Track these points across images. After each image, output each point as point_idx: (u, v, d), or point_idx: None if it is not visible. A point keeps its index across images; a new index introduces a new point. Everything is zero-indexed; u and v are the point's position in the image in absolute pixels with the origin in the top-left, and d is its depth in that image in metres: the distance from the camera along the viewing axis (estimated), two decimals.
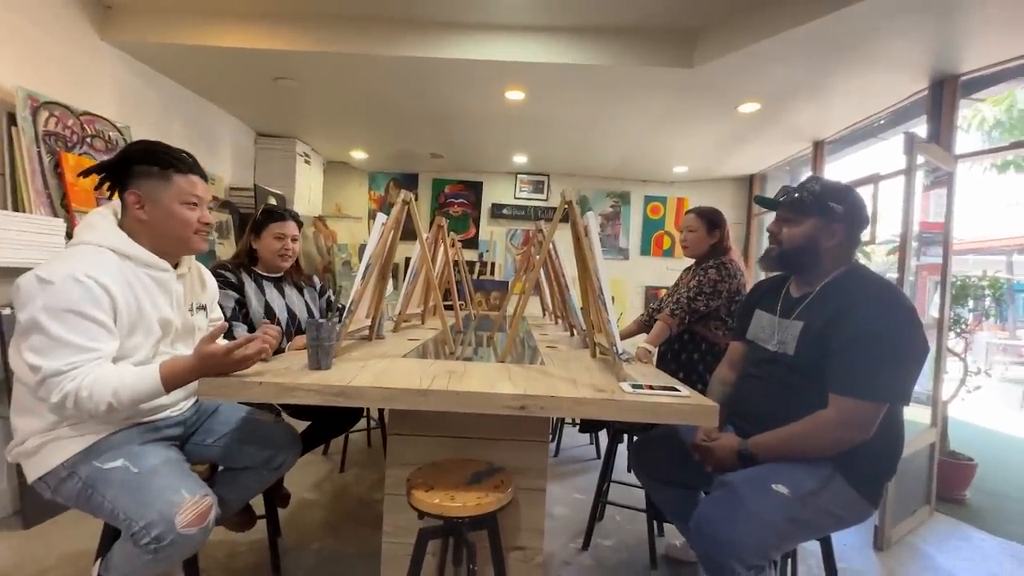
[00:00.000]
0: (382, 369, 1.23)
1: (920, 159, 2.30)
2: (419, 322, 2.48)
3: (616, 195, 5.32)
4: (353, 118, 3.85)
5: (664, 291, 3.35)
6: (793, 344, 1.19)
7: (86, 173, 1.17)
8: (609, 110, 3.36)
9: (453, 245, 3.37)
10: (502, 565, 1.21)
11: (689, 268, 2.22)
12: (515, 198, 5.32)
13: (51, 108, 2.38)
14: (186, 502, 0.97)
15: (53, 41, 2.48)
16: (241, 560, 1.79)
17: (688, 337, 2.02)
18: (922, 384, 2.72)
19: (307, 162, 4.62)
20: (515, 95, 3.17)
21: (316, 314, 1.92)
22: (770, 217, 1.37)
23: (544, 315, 3.55)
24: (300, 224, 1.91)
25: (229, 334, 1.58)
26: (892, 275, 2.33)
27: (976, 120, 6.21)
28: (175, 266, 1.21)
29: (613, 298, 5.25)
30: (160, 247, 1.16)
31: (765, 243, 4.26)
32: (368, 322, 1.73)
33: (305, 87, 3.23)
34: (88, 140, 2.54)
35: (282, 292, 1.84)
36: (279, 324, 1.76)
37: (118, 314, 1.05)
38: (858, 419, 1.06)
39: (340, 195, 5.27)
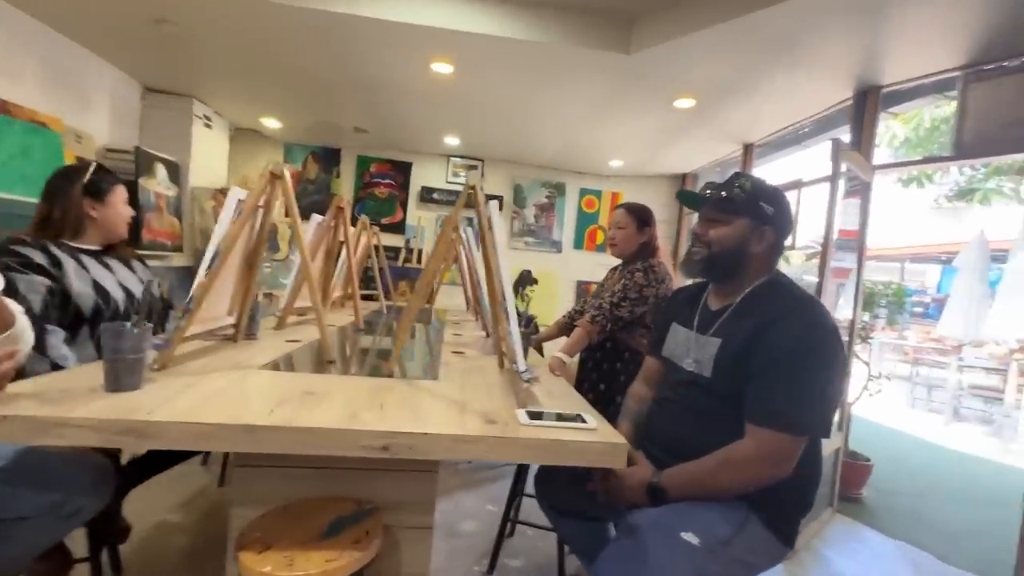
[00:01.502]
0: (216, 390, 0.95)
1: (843, 167, 2.29)
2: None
3: (552, 186, 5.16)
4: (260, 79, 3.39)
5: (594, 287, 3.24)
6: (710, 364, 1.05)
7: None
8: (544, 93, 3.16)
9: (366, 228, 3.06)
10: None
11: (616, 268, 2.07)
12: (447, 182, 5.01)
13: None
14: None
15: None
16: None
17: (611, 345, 1.88)
18: None
19: (207, 126, 4.06)
20: (442, 67, 2.89)
21: (155, 294, 1.55)
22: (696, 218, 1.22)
23: (468, 308, 3.33)
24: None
25: (40, 344, 1.20)
26: (811, 278, 2.32)
27: (887, 136, 6.65)
28: None
29: (525, 298, 5.15)
30: None
31: None
32: (231, 320, 1.42)
33: (192, 35, 2.76)
34: None
35: (109, 267, 1.43)
36: (116, 307, 1.39)
37: None
38: (778, 454, 0.94)
39: (249, 167, 4.71)
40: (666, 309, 1.33)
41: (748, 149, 3.90)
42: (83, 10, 2.61)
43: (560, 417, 0.95)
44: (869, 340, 3.24)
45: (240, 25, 2.59)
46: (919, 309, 9.03)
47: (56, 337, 1.24)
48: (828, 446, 2.57)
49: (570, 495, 1.25)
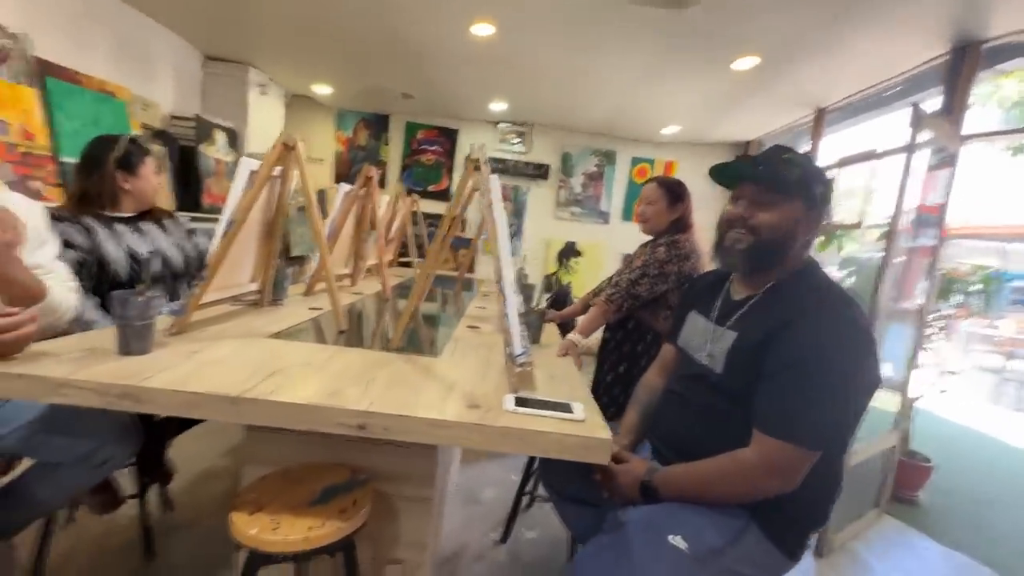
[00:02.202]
0: (218, 358, 0.99)
1: (925, 136, 2.00)
2: (349, 283, 2.23)
3: (601, 153, 4.95)
4: (311, 44, 3.43)
5: None
6: (722, 360, 0.96)
7: None
8: (591, 54, 2.97)
9: (409, 194, 3.08)
10: None
11: (646, 244, 1.96)
12: (494, 149, 4.94)
13: None
14: None
15: None
16: (118, 538, 1.62)
17: (633, 325, 1.79)
18: (898, 371, 2.58)
19: (263, 93, 4.19)
20: (483, 29, 2.78)
21: (190, 253, 1.64)
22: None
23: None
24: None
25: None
26: (877, 254, 2.07)
27: (996, 96, 5.78)
28: None
29: (569, 270, 5.02)
30: None
31: None
32: (255, 287, 1.48)
33: (247, 1, 2.81)
34: None
35: (142, 232, 1.51)
36: (149, 271, 1.48)
37: None
38: (782, 466, 0.85)
39: (304, 133, 4.85)
40: (687, 294, 1.24)
41: (820, 115, 3.53)
42: None
43: (548, 405, 0.92)
44: (945, 331, 2.91)
45: None
46: (1021, 296, 8.02)
47: (89, 302, 1.34)
48: (879, 444, 2.38)
49: (572, 479, 1.22)
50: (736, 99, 3.49)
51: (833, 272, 3.79)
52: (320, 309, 1.60)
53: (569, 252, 5.12)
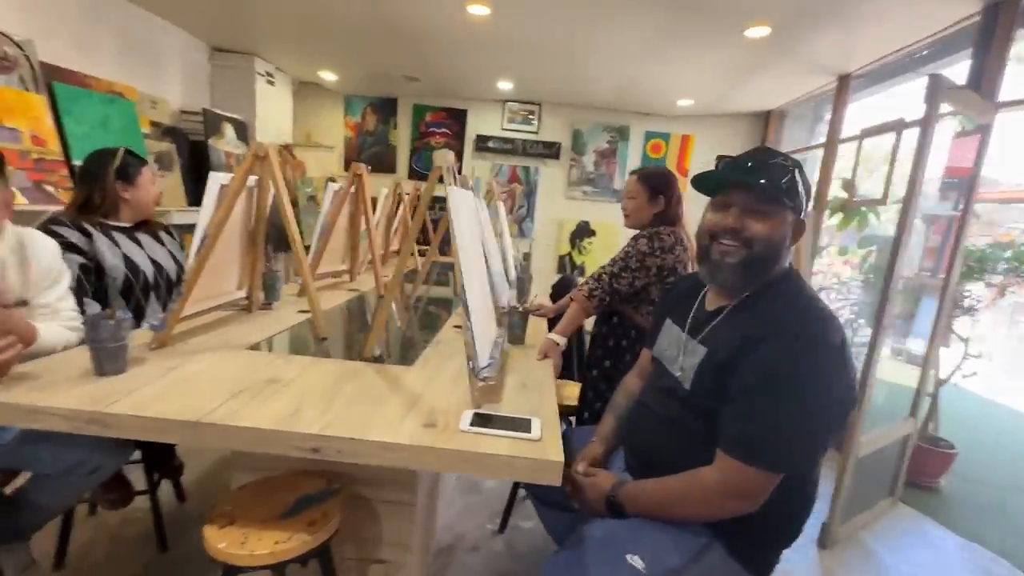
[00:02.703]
0: (189, 375, 1.02)
1: (946, 108, 1.85)
2: (348, 279, 2.26)
3: (614, 129, 4.80)
4: (312, 31, 3.39)
5: None
6: (691, 375, 0.93)
7: None
8: (592, 28, 2.84)
9: (397, 188, 3.06)
10: None
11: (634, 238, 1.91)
12: (502, 129, 4.85)
13: None
14: None
15: None
16: (133, 528, 1.72)
17: (617, 320, 1.76)
18: (918, 345, 2.47)
19: (270, 83, 4.20)
20: (478, 9, 2.69)
21: (184, 264, 1.68)
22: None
23: None
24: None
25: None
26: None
27: None
28: None
29: (582, 251, 4.93)
30: None
31: None
32: (242, 293, 1.51)
33: None
34: None
35: (139, 242, 1.57)
36: (145, 280, 1.53)
37: None
38: (743, 489, 0.83)
39: (312, 121, 4.87)
40: (665, 299, 1.20)
41: (844, 81, 3.31)
42: None
43: (506, 423, 0.91)
44: (974, 311, 2.76)
45: None
46: None
47: (92, 309, 1.39)
48: (894, 432, 2.30)
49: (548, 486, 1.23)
50: (752, 68, 3.30)
51: (851, 252, 3.62)
52: (308, 312, 1.63)
53: (582, 232, 5.04)
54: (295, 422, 0.86)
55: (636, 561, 0.84)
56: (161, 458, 1.68)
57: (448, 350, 1.36)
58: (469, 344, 0.99)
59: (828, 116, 3.55)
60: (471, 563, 1.73)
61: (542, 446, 0.86)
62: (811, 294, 0.92)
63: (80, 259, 1.39)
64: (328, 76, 4.42)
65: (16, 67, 2.38)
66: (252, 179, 1.32)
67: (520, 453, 0.82)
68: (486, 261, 1.60)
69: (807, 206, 0.94)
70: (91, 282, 1.42)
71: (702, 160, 4.69)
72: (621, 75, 3.70)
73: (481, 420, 0.91)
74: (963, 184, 2.30)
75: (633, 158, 4.86)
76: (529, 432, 0.89)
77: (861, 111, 3.58)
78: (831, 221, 3.50)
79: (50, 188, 2.38)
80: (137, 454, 1.50)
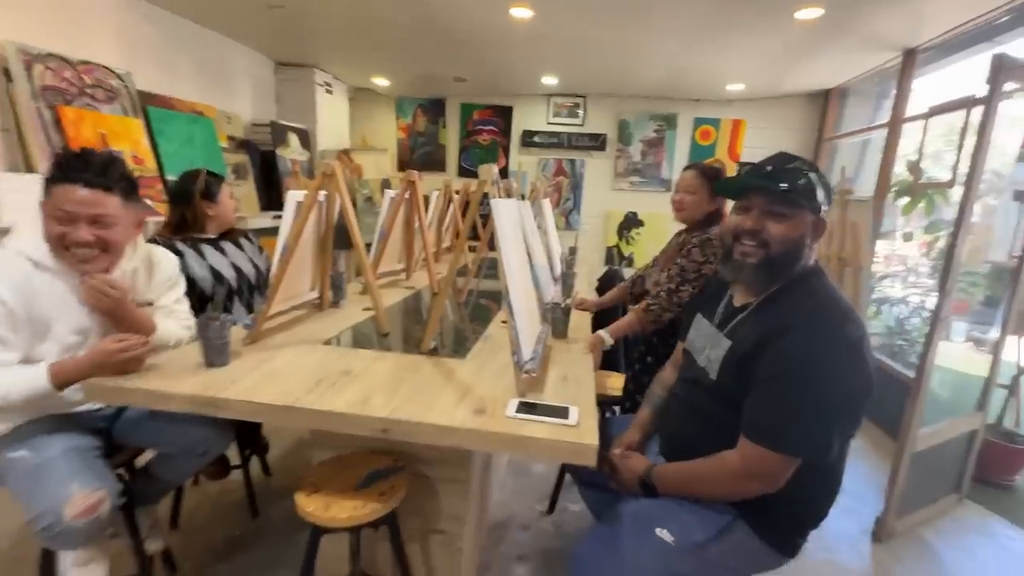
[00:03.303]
0: (278, 368, 1.20)
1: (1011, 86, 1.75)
2: (404, 277, 2.44)
3: (661, 118, 4.73)
4: (364, 40, 3.59)
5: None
6: (717, 366, 1.00)
7: None
8: (636, 21, 2.85)
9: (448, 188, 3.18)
10: (404, 562, 1.23)
11: (680, 234, 1.94)
12: (548, 123, 4.91)
13: (46, 60, 2.40)
14: (75, 496, 1.04)
15: None
16: (229, 497, 1.99)
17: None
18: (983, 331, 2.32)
19: (328, 91, 4.48)
20: (521, 12, 2.78)
21: (261, 267, 1.91)
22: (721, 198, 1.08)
23: None
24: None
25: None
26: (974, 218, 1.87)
27: None
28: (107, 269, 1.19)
29: (630, 241, 4.88)
30: None
31: (834, 180, 3.65)
32: (315, 294, 1.70)
33: (300, 12, 3.03)
34: (88, 91, 2.57)
35: (223, 251, 1.80)
36: (228, 286, 1.77)
37: (16, 325, 1.08)
38: (763, 470, 0.89)
39: (368, 125, 5.13)
40: (697, 295, 1.26)
41: (909, 56, 3.12)
42: (220, 2, 2.98)
43: (547, 410, 1.02)
44: None
45: None
46: None
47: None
48: (959, 426, 2.21)
49: (590, 468, 1.33)
50: (807, 48, 3.18)
51: (919, 237, 3.41)
52: (372, 310, 1.80)
53: (630, 223, 5.03)
54: (367, 407, 1.01)
55: (665, 535, 0.93)
56: (250, 437, 1.93)
57: (496, 344, 1.48)
58: (514, 341, 1.11)
59: (891, 93, 3.36)
60: (521, 539, 1.87)
61: (579, 431, 0.96)
62: (831, 292, 0.96)
63: None
64: (380, 81, 4.65)
65: (118, 97, 2.72)
66: (322, 194, 1.50)
67: (559, 437, 0.93)
68: (530, 260, 1.71)
69: (827, 205, 0.98)
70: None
71: (754, 146, 4.55)
72: (668, 64, 3.66)
73: (525, 408, 1.03)
74: None
75: (682, 146, 4.78)
76: (567, 419, 0.99)
77: (933, 87, 3.36)
78: (898, 204, 3.33)
79: (149, 201, 2.71)
80: None
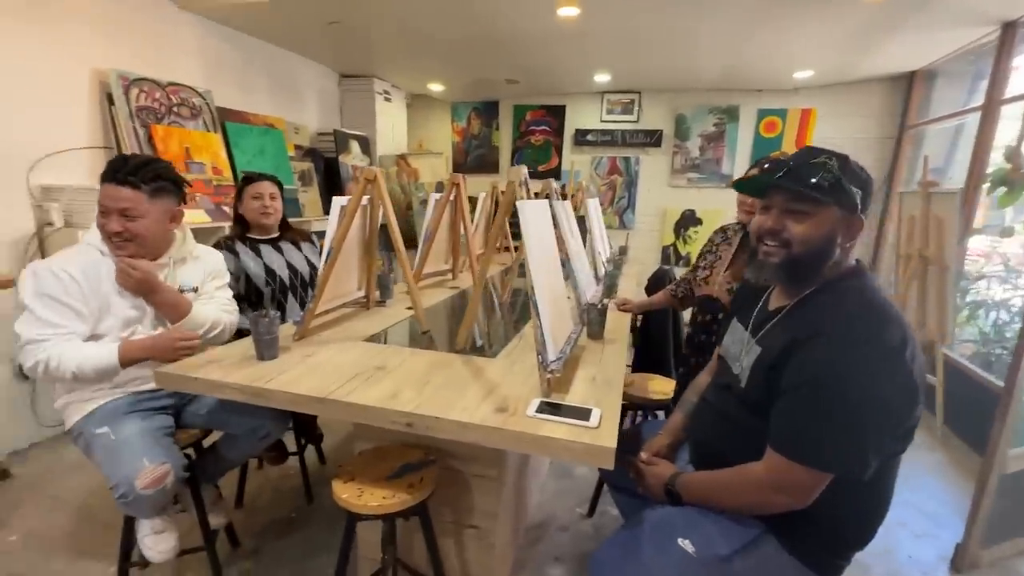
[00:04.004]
0: (320, 362, 1.29)
1: None
2: (451, 277, 2.51)
3: (721, 111, 4.52)
4: (419, 48, 3.72)
5: None
6: (747, 373, 0.95)
7: None
8: (688, 11, 2.75)
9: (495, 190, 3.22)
10: (436, 552, 1.27)
11: (723, 230, 1.87)
12: (601, 121, 4.84)
13: (140, 84, 2.70)
14: (145, 469, 1.18)
15: (137, 18, 2.74)
16: (288, 482, 2.14)
17: (710, 318, 1.73)
18: None
19: (387, 99, 4.68)
20: (568, 11, 2.77)
21: (320, 267, 2.03)
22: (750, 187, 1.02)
23: None
24: (278, 183, 1.97)
25: None
26: None
27: None
28: (154, 258, 1.36)
29: (687, 240, 4.68)
30: None
31: (919, 172, 3.35)
32: (361, 293, 1.79)
33: (358, 27, 3.20)
34: (175, 109, 2.87)
35: (280, 250, 1.95)
36: (281, 283, 1.92)
37: (86, 300, 1.26)
38: (790, 485, 0.83)
39: (424, 130, 5.31)
40: (735, 299, 1.20)
41: (1008, 30, 2.78)
42: (288, 22, 3.21)
43: (568, 411, 1.02)
44: None
45: (387, 8, 2.90)
46: None
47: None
48: None
49: (622, 471, 1.31)
50: (882, 28, 2.92)
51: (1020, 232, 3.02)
52: (411, 309, 1.87)
53: (688, 221, 4.85)
54: (394, 401, 1.06)
55: (687, 545, 0.90)
56: (307, 427, 2.07)
57: (528, 345, 1.49)
58: (538, 340, 1.12)
59: (988, 72, 3.00)
60: (559, 540, 1.87)
61: (597, 433, 0.95)
62: (871, 294, 0.88)
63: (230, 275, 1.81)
64: (436, 87, 4.79)
65: (201, 113, 3.01)
66: (365, 199, 1.58)
67: (577, 438, 0.93)
68: (568, 261, 1.70)
69: (863, 201, 0.90)
70: (241, 288, 1.84)
71: (826, 136, 4.23)
72: (726, 54, 3.50)
73: (548, 408, 1.03)
74: None
75: (744, 140, 4.54)
76: (588, 421, 0.98)
77: None
78: (996, 195, 2.97)
79: (226, 208, 2.97)
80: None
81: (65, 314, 1.23)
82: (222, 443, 1.52)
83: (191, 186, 2.43)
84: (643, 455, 1.13)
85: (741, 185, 1.00)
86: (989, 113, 2.93)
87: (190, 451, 1.47)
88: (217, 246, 1.81)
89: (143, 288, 1.33)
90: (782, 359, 0.87)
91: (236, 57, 3.40)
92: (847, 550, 0.94)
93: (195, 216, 2.77)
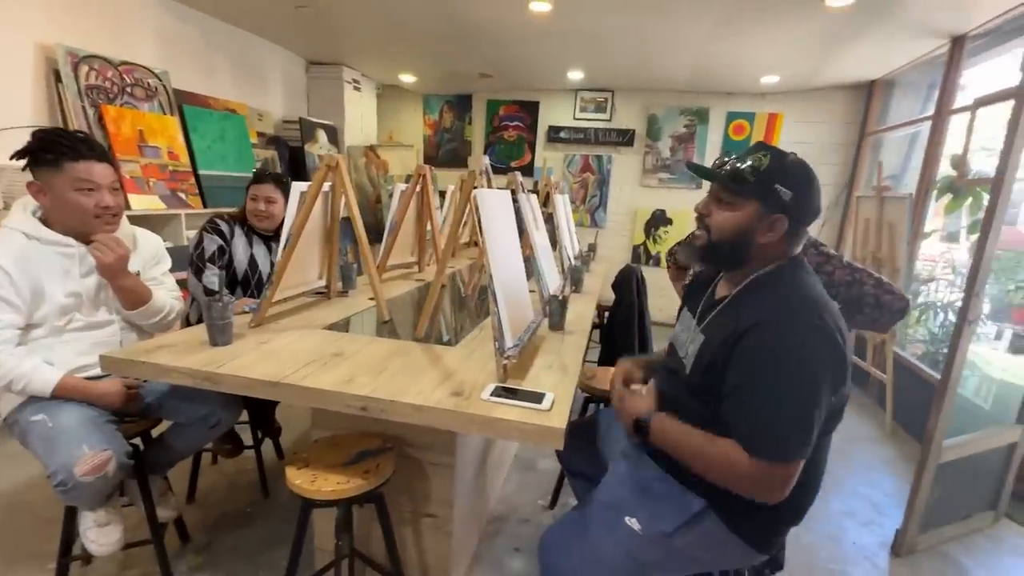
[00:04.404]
0: (276, 348, 1.26)
1: None
2: (417, 269, 2.48)
3: (691, 112, 4.62)
4: (390, 37, 3.66)
5: None
6: (691, 360, 0.97)
7: (14, 156, 1.25)
8: (658, 12, 2.80)
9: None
10: (392, 540, 1.26)
11: None
12: (575, 119, 4.87)
13: (90, 62, 2.58)
14: (85, 456, 1.13)
15: None
16: (244, 477, 2.08)
17: None
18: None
19: (357, 89, 4.60)
20: (540, 7, 2.77)
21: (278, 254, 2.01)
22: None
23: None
24: (284, 185, 1.86)
25: (199, 274, 1.77)
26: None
27: None
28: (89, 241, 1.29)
29: (657, 240, 4.77)
30: (70, 229, 1.25)
31: (876, 177, 3.47)
32: (322, 282, 1.76)
33: (327, 11, 3.12)
34: (128, 89, 2.74)
35: (271, 249, 1.91)
36: (259, 277, 1.87)
37: (18, 289, 1.19)
38: (775, 484, 0.83)
39: (394, 122, 5.24)
40: (688, 288, 1.23)
41: (957, 44, 2.93)
42: (253, 4, 3.11)
43: (522, 395, 1.03)
44: None
45: None
46: None
47: (210, 271, 1.73)
48: (996, 439, 2.06)
49: (577, 456, 1.32)
50: (842, 37, 3.03)
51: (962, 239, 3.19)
52: (373, 300, 1.85)
53: (658, 221, 4.93)
54: (350, 385, 1.04)
55: (634, 523, 0.92)
56: (264, 419, 2.02)
57: (489, 335, 1.48)
58: (496, 328, 1.12)
59: (937, 84, 3.16)
60: (521, 531, 1.88)
61: (549, 416, 0.96)
62: (805, 283, 0.91)
63: (220, 241, 1.80)
64: (407, 78, 4.73)
65: (156, 95, 2.89)
66: (327, 185, 1.54)
67: (527, 420, 0.93)
68: (533, 253, 1.71)
69: (798, 200, 0.90)
70: (223, 265, 1.80)
71: (793, 140, 4.37)
72: (696, 55, 3.57)
73: (503, 392, 1.04)
74: None
75: (714, 141, 4.65)
76: (540, 404, 0.99)
77: (987, 77, 3.13)
78: (940, 202, 3.14)
79: (182, 195, 2.86)
80: (244, 415, 1.83)
81: None
82: (170, 433, 1.46)
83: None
84: (635, 386, 1.15)
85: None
86: (939, 123, 3.08)
87: (137, 441, 1.41)
88: (218, 216, 1.83)
89: (116, 268, 1.28)
90: (721, 351, 0.89)
91: (196, 38, 3.28)
92: (783, 526, 0.97)
93: (148, 202, 2.67)
